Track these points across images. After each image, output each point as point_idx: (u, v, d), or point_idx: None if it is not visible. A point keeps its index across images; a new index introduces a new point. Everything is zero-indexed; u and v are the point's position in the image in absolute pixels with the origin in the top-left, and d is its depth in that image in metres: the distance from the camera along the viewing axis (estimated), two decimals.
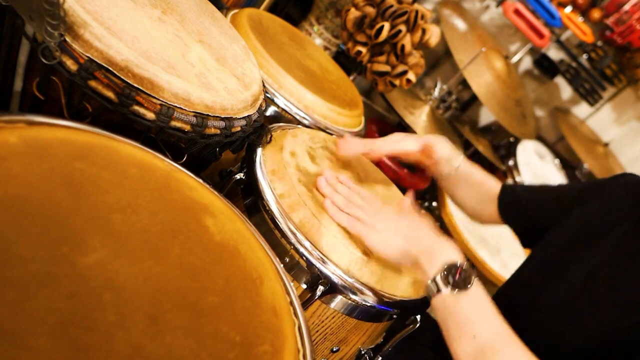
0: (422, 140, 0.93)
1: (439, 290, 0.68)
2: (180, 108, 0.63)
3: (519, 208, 0.98)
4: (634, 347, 0.69)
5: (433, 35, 1.42)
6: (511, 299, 0.90)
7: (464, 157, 0.99)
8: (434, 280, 0.69)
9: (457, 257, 0.70)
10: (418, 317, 0.81)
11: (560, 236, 0.87)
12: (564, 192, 0.96)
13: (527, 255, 0.97)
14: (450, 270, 0.68)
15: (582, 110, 2.52)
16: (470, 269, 0.68)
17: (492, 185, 1.03)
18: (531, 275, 0.90)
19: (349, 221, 0.76)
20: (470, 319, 0.66)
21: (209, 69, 0.72)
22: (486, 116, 2.48)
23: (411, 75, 1.43)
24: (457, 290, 0.67)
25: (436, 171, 0.99)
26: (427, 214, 0.97)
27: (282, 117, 1.02)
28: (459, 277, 0.67)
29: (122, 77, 0.59)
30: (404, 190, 1.10)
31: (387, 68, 1.43)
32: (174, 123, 0.63)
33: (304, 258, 0.70)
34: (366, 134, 1.63)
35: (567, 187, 0.99)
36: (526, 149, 2.15)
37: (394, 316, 0.79)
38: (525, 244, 1.03)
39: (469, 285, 0.67)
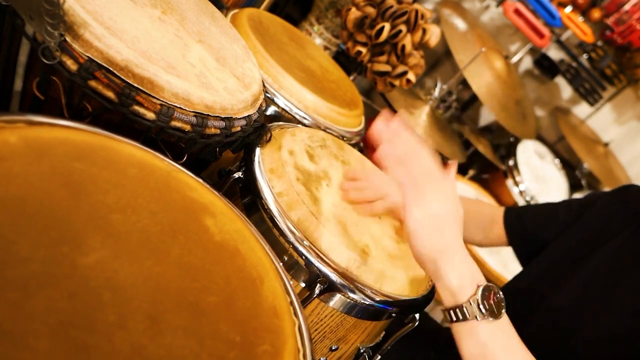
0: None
1: (468, 316, 0.59)
2: (180, 108, 0.63)
3: (524, 228, 0.99)
4: (632, 354, 0.69)
5: (433, 35, 1.42)
6: (511, 304, 0.90)
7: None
8: (465, 305, 0.59)
9: (483, 278, 0.62)
10: (417, 315, 0.81)
11: (562, 245, 0.88)
12: (566, 209, 0.97)
13: (527, 265, 0.98)
14: (485, 295, 0.59)
15: (582, 110, 2.52)
16: (501, 293, 0.60)
17: (491, 212, 1.04)
18: (532, 281, 0.90)
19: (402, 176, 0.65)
20: (499, 351, 0.59)
21: (209, 69, 0.72)
22: (486, 116, 2.48)
23: (411, 76, 1.43)
24: (489, 317, 0.59)
25: None
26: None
27: (282, 117, 1.02)
28: (493, 302, 0.59)
29: (122, 77, 0.59)
30: None
31: (387, 68, 1.43)
32: (174, 123, 0.63)
33: (303, 257, 0.70)
34: (366, 134, 1.63)
35: (569, 202, 1.00)
36: (526, 149, 2.15)
37: (393, 315, 0.79)
38: (525, 263, 1.03)
39: (501, 312, 0.59)
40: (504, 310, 0.60)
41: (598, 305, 0.75)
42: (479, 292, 0.59)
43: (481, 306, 0.58)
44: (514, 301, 0.89)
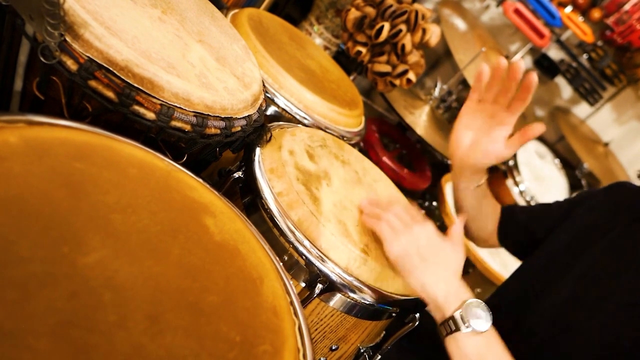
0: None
1: (456, 329, 0.65)
2: (180, 108, 0.63)
3: (517, 225, 0.99)
4: (627, 353, 0.69)
5: (433, 35, 1.42)
6: (505, 307, 0.90)
7: (485, 180, 0.99)
8: (452, 318, 0.66)
9: (473, 297, 0.68)
10: (417, 315, 0.81)
11: (553, 244, 0.88)
12: (558, 206, 0.97)
13: (521, 264, 0.97)
14: (469, 309, 0.65)
15: (582, 110, 2.52)
16: (487, 309, 0.66)
17: (498, 208, 1.04)
18: (524, 283, 0.90)
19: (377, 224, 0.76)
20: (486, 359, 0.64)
21: (209, 69, 0.72)
22: None
23: (411, 75, 1.43)
24: (474, 329, 0.64)
25: (461, 180, 0.97)
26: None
27: (282, 116, 1.02)
28: (478, 317, 0.65)
29: (122, 77, 0.59)
30: (403, 190, 1.10)
31: (387, 68, 1.43)
32: (174, 123, 0.63)
33: (303, 256, 0.70)
34: (366, 134, 1.63)
35: (560, 201, 1.00)
36: (526, 149, 2.15)
37: (393, 314, 0.79)
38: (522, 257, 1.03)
39: (487, 326, 0.65)
40: (489, 325, 0.65)
41: (592, 304, 0.75)
42: (464, 306, 0.66)
43: (465, 319, 0.64)
44: (509, 301, 0.89)
